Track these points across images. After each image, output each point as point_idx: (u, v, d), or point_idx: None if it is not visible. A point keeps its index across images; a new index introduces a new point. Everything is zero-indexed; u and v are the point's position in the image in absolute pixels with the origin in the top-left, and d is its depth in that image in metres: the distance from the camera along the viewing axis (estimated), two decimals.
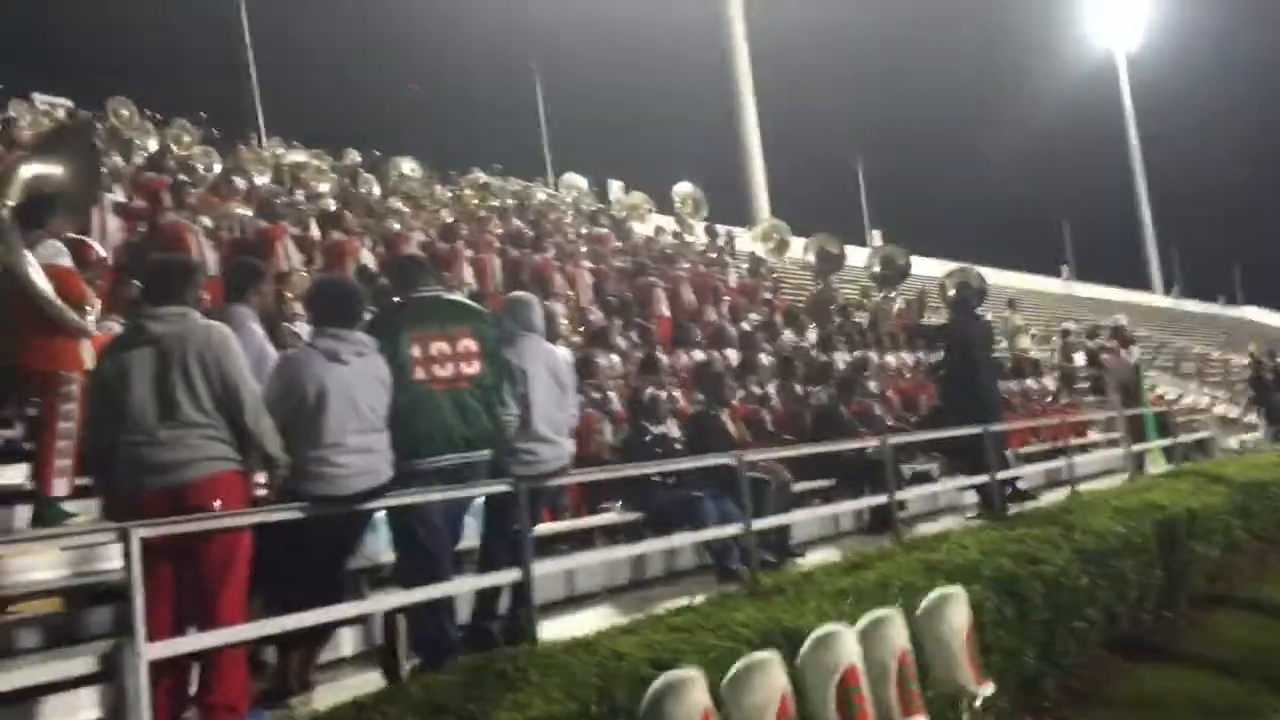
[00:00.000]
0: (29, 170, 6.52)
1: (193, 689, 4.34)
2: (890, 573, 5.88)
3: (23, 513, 6.35)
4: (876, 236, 34.36)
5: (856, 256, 22.82)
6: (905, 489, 9.38)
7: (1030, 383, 15.37)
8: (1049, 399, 15.79)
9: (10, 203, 6.25)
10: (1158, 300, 48.06)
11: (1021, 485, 10.60)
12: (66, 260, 6.50)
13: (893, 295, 19.61)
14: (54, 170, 6.63)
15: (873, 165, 44.48)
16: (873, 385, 12.32)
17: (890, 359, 14.59)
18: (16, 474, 6.83)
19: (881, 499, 8.40)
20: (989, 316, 15.10)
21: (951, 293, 14.12)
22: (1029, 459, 12.31)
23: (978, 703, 4.87)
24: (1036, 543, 6.74)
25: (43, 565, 5.82)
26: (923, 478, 11.06)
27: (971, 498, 10.32)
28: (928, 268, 25.19)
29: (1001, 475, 9.34)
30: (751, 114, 34.28)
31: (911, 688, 4.46)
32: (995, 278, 27.44)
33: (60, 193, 6.58)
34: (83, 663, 3.87)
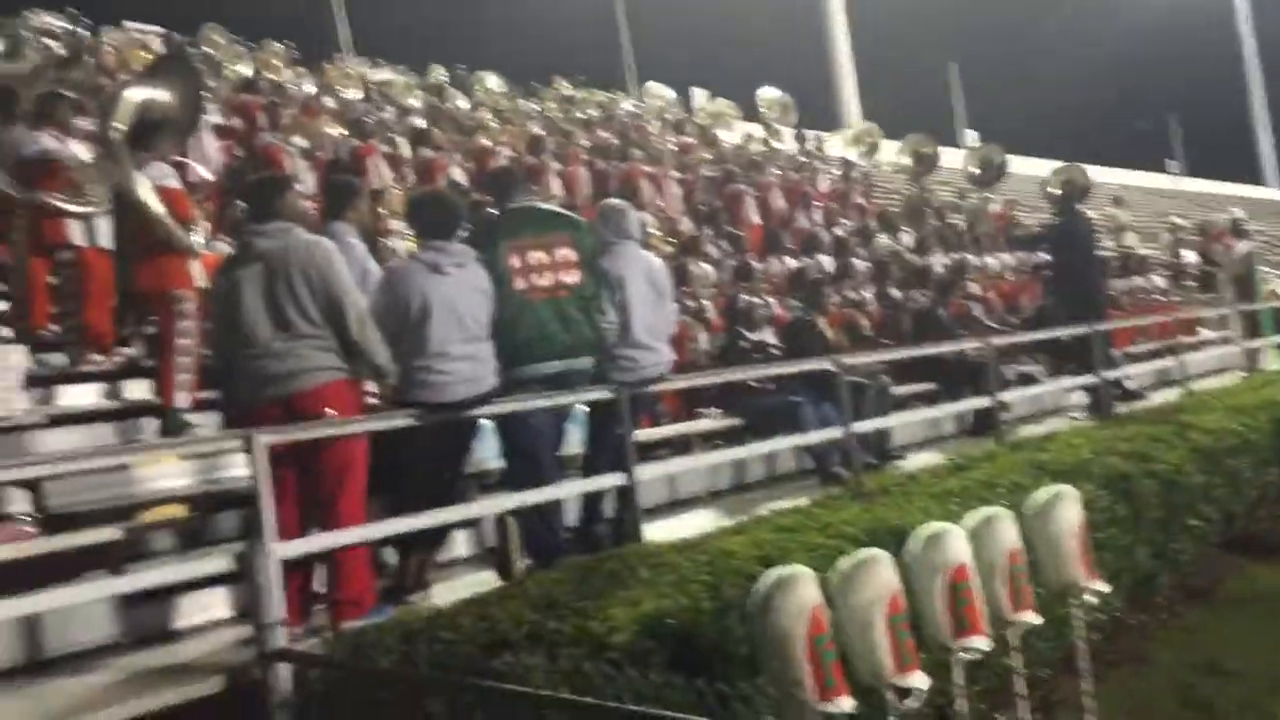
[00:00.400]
0: (136, 95, 6.66)
1: (319, 587, 4.54)
2: (996, 473, 5.82)
3: (148, 425, 6.63)
4: (971, 137, 33.33)
5: (951, 158, 22.18)
6: (1008, 390, 9.23)
7: (1138, 280, 14.88)
8: (1157, 296, 15.28)
9: (120, 126, 6.40)
10: (1274, 194, 45.89)
11: (1130, 385, 10.35)
12: (175, 181, 6.67)
13: (990, 196, 19.08)
14: (159, 95, 6.76)
15: (967, 63, 42.86)
16: (973, 287, 12.07)
17: (990, 260, 14.24)
18: (140, 389, 7.11)
19: (984, 401, 8.29)
20: (1093, 214, 14.63)
21: (1054, 191, 13.71)
22: (1137, 358, 11.99)
23: (1090, 600, 4.82)
24: (1149, 441, 6.59)
25: (170, 474, 6.09)
26: (1026, 379, 10.85)
27: (1078, 399, 10.12)
28: (1027, 167, 24.40)
29: (1109, 375, 9.12)
30: (840, 14, 33.27)
31: (1023, 585, 4.43)
32: (1099, 174, 26.44)
33: (166, 117, 6.71)
34: (217, 562, 4.06)
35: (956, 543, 4.17)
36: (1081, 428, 7.64)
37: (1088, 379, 9.10)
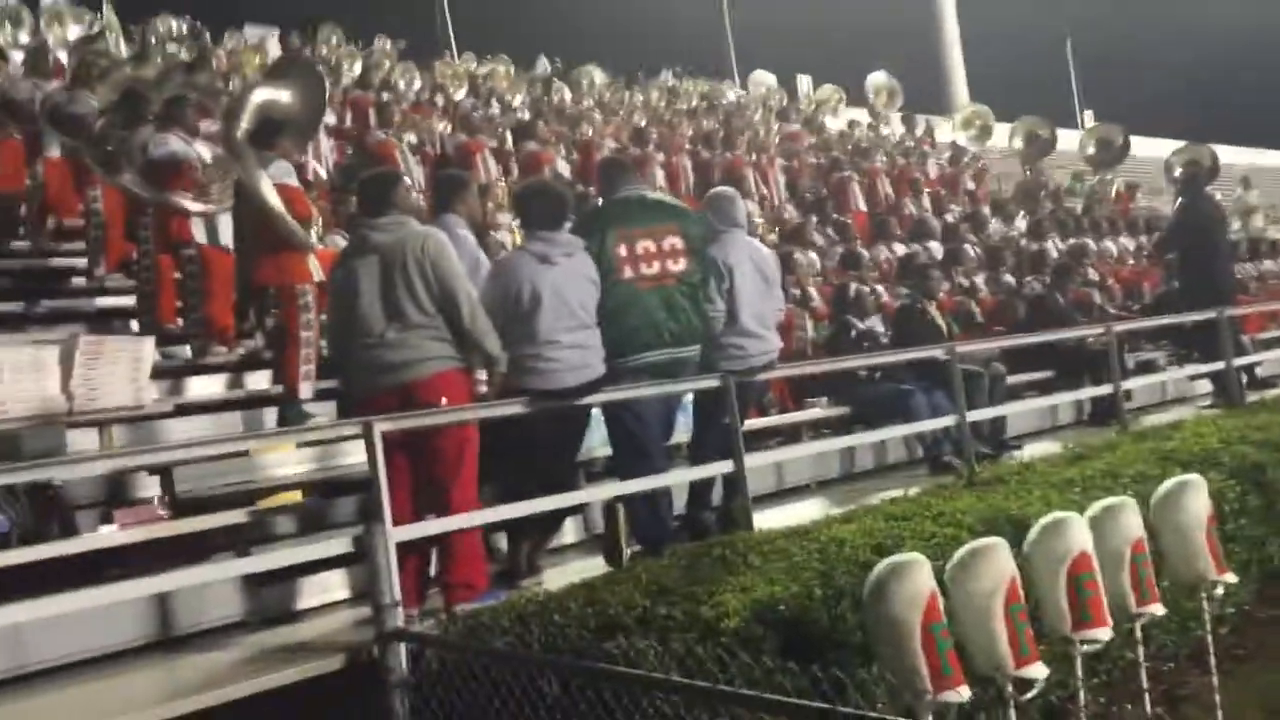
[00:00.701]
0: (260, 96, 6.89)
1: (433, 570, 4.64)
2: (1119, 462, 5.65)
3: (269, 415, 6.86)
4: (1089, 117, 32.28)
5: (1067, 141, 21.51)
6: (1130, 378, 8.93)
7: (1268, 264, 14.24)
8: None
9: (244, 126, 6.62)
10: None
11: (1260, 372, 9.92)
12: (293, 179, 6.88)
13: (1110, 178, 18.46)
14: (283, 96, 6.98)
15: (1083, 41, 41.46)
16: (1091, 273, 11.70)
17: (1109, 245, 13.78)
18: (261, 381, 7.36)
19: (1105, 389, 8.04)
20: (1220, 196, 14.04)
21: (1179, 172, 13.20)
22: (1267, 345, 11.47)
23: (1218, 592, 4.64)
24: None
25: (289, 461, 6.29)
26: (1148, 367, 10.49)
27: (1203, 387, 9.74)
28: (1148, 148, 23.52)
29: (1238, 362, 8.76)
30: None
31: (1147, 576, 4.29)
32: (1226, 155, 25.37)
33: (288, 119, 6.92)
34: (336, 545, 4.18)
35: (1078, 532, 4.06)
36: (1209, 416, 7.36)
37: (1215, 366, 8.75)
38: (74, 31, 10.75)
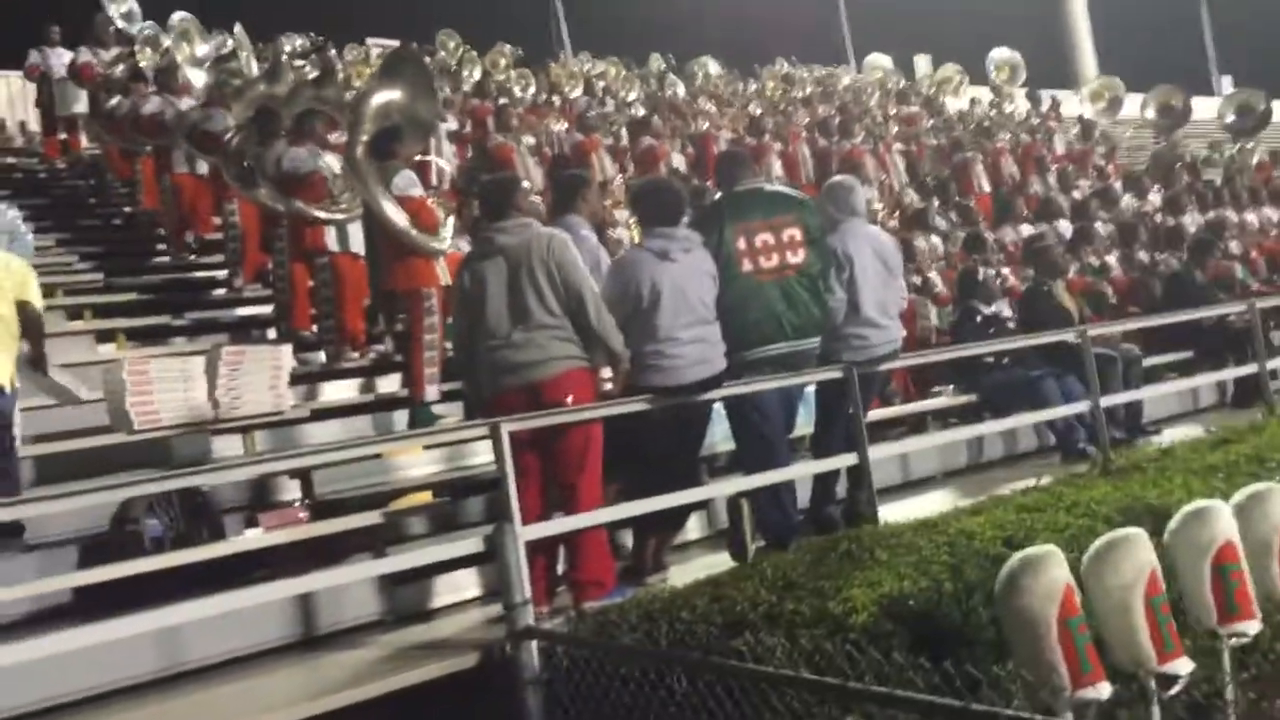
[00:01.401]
0: (377, 99, 7.11)
1: (562, 568, 4.72)
2: (1266, 446, 5.42)
3: (400, 418, 7.07)
4: (1227, 83, 30.77)
5: (1204, 109, 20.56)
6: (1276, 357, 8.50)
7: None
8: None
9: (365, 137, 6.84)
10: None
11: None
12: (418, 190, 7.09)
13: (1251, 146, 17.57)
14: (396, 94, 7.18)
15: (1218, 3, 39.53)
16: (1233, 246, 11.17)
17: (1251, 217, 13.12)
18: (391, 384, 7.59)
19: (1249, 369, 7.69)
20: None
21: None
22: None
23: None
24: None
25: (420, 462, 6.47)
26: None
27: None
28: None
29: None
30: None
31: None
32: None
33: (405, 115, 7.12)
34: (468, 544, 4.29)
35: (1222, 520, 3.90)
36: None
37: None
38: (201, 50, 11.21)
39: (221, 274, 9.62)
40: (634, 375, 4.94)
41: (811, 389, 5.85)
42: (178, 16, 11.16)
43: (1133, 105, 19.67)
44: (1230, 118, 17.82)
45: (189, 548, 4.80)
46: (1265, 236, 12.76)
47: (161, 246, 10.56)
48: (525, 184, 5.72)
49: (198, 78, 10.75)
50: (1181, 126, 18.43)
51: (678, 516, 5.24)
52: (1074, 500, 4.62)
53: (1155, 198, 13.68)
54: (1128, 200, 13.46)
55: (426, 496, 5.97)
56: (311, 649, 4.55)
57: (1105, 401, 6.49)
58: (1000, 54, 21.00)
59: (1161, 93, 18.20)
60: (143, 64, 11.30)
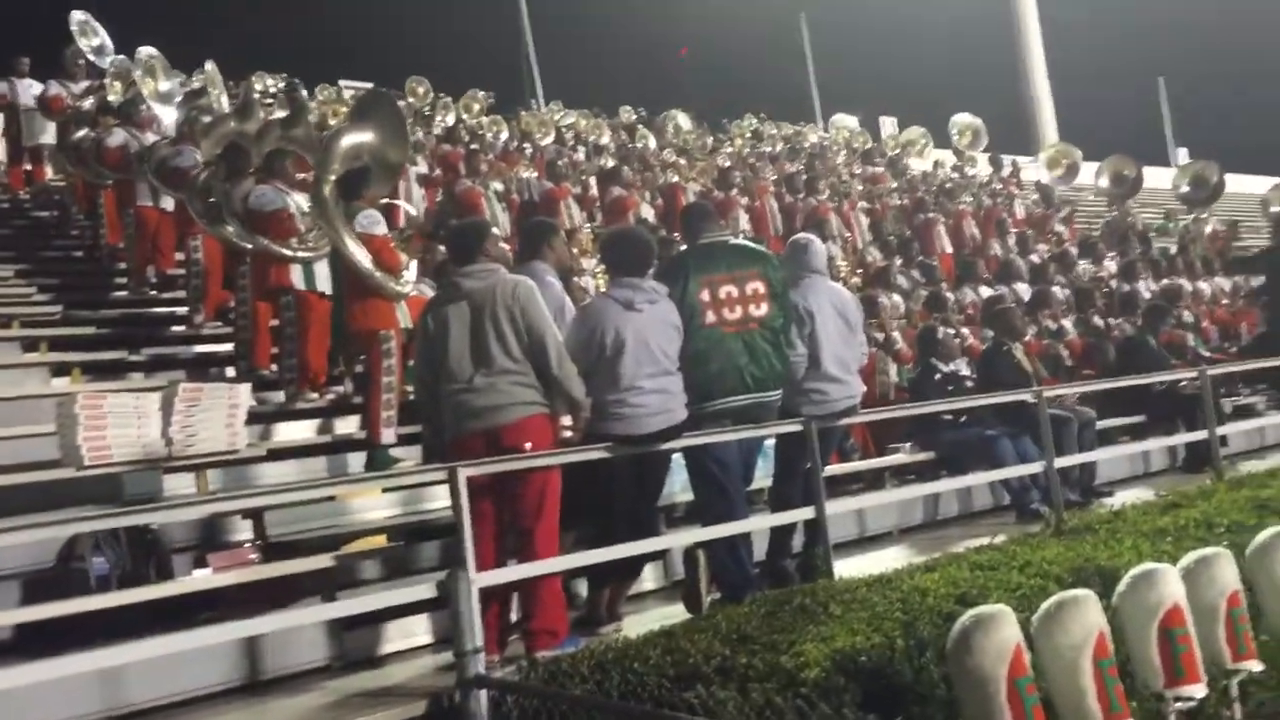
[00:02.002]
0: (347, 141, 7.13)
1: (515, 616, 4.68)
2: (1214, 511, 5.49)
3: (356, 460, 7.01)
4: (1183, 155, 31.55)
5: (1158, 178, 21.06)
6: (1226, 424, 8.66)
7: None
8: None
9: (332, 177, 6.85)
10: None
11: None
12: (381, 229, 7.07)
13: (1204, 216, 17.99)
14: (368, 136, 7.20)
15: (1175, 79, 40.61)
16: (1186, 315, 11.40)
17: (1204, 285, 13.41)
18: (350, 425, 7.54)
19: (1200, 435, 7.82)
20: None
21: (1275, 210, 12.86)
22: None
23: None
24: None
25: (374, 505, 6.42)
26: (1245, 412, 10.17)
27: None
28: (1245, 185, 22.92)
29: None
30: (1035, 32, 32.20)
31: (1244, 631, 4.15)
32: None
33: (376, 158, 7.14)
34: (421, 589, 4.24)
35: (1170, 583, 3.95)
36: None
37: None
38: (164, 86, 11.20)
39: (182, 310, 9.55)
40: (595, 423, 4.94)
41: (771, 442, 5.89)
42: (145, 51, 11.14)
43: (1090, 174, 20.12)
44: (1185, 188, 18.22)
45: (136, 587, 4.72)
46: (1217, 305, 13.03)
47: (122, 281, 10.47)
48: (495, 230, 5.74)
49: (166, 114, 10.72)
50: (1133, 196, 18.82)
51: (634, 566, 5.23)
52: (1027, 560, 4.67)
53: (1111, 264, 13.95)
54: (1084, 266, 13.71)
55: (381, 540, 5.91)
56: (257, 693, 4.47)
57: (1059, 462, 6.57)
58: (963, 118, 21.43)
59: (1114, 162, 18.58)
60: (111, 98, 11.26)
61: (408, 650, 4.97)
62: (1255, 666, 4.14)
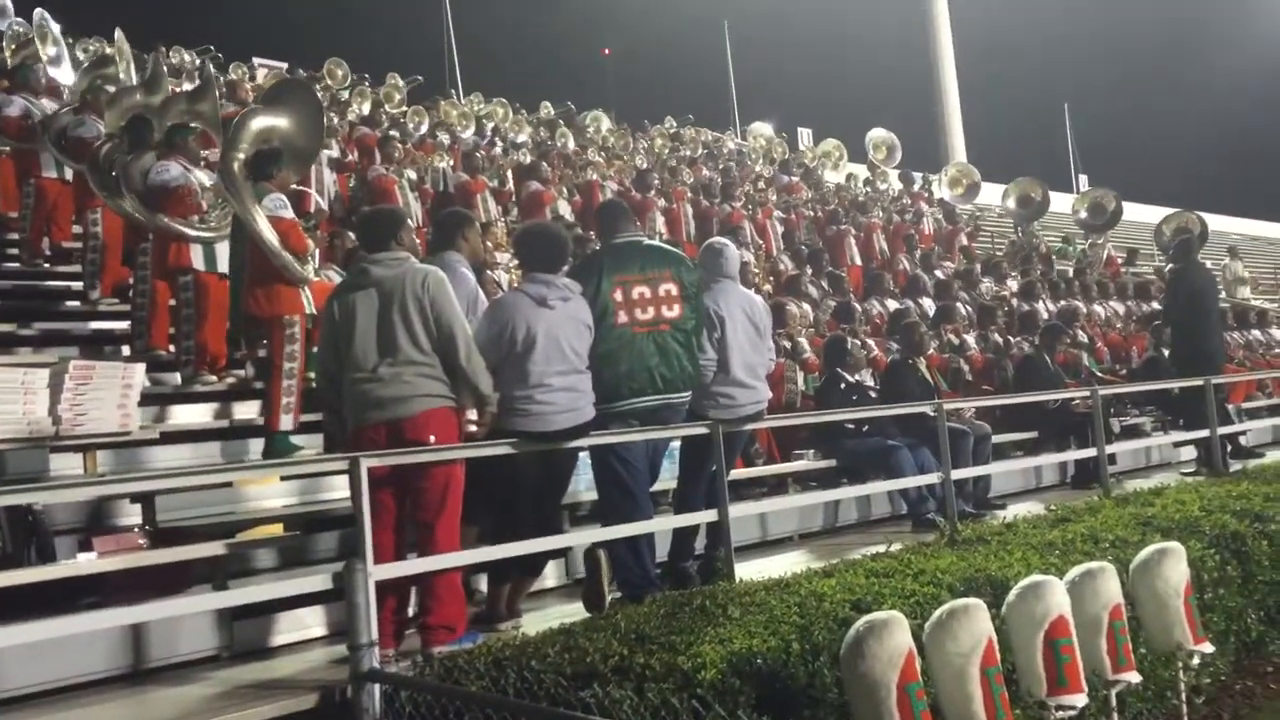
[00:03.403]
0: (258, 123, 6.95)
1: (412, 610, 4.62)
2: (1100, 527, 5.66)
3: (255, 445, 6.85)
4: (1084, 181, 32.62)
5: (1062, 204, 21.74)
6: (1115, 443, 8.97)
7: (1256, 334, 14.35)
8: (1277, 350, 14.70)
9: (241, 156, 6.67)
10: None
11: (1244, 441, 9.96)
12: (289, 213, 6.91)
13: (1100, 242, 18.62)
14: (280, 122, 7.04)
15: (1080, 108, 42.00)
16: (1081, 335, 11.78)
17: (1099, 308, 13.89)
18: (249, 410, 7.36)
19: (1089, 452, 8.08)
20: (1208, 264, 14.15)
21: (1169, 238, 13.36)
22: (1253, 414, 11.55)
23: (1195, 662, 4.65)
24: (1265, 501, 6.33)
25: (271, 494, 6.27)
26: (1133, 431, 10.54)
27: (1188, 453, 9.79)
28: (1142, 213, 23.78)
29: (1224, 430, 8.81)
30: (949, 58, 32.98)
31: (1124, 643, 4.29)
32: (1216, 223, 25.64)
33: (287, 144, 6.98)
34: (316, 580, 4.16)
35: (1056, 595, 4.06)
36: (1192, 484, 7.38)
37: (1200, 433, 8.80)
38: (51, 50, 10.81)
39: (77, 285, 9.22)
40: (502, 419, 4.90)
41: (677, 444, 5.91)
42: (38, 14, 10.72)
43: (996, 194, 20.68)
44: (1083, 214, 18.83)
45: (14, 569, 4.53)
46: (1111, 328, 13.50)
47: (14, 252, 10.07)
48: (409, 221, 5.65)
49: (64, 77, 10.35)
50: (1039, 218, 19.40)
51: (535, 564, 5.20)
52: (921, 568, 4.74)
53: (1013, 283, 14.35)
54: (987, 284, 14.08)
55: (277, 529, 5.78)
56: (141, 682, 4.33)
57: (955, 474, 6.72)
58: (879, 134, 21.88)
59: (1022, 184, 19.13)
60: (9, 62, 10.84)
61: (300, 642, 4.86)
62: (1134, 678, 4.28)
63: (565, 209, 13.32)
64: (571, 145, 17.53)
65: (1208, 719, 5.09)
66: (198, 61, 15.08)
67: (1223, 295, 17.16)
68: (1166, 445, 10.21)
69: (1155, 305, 12.99)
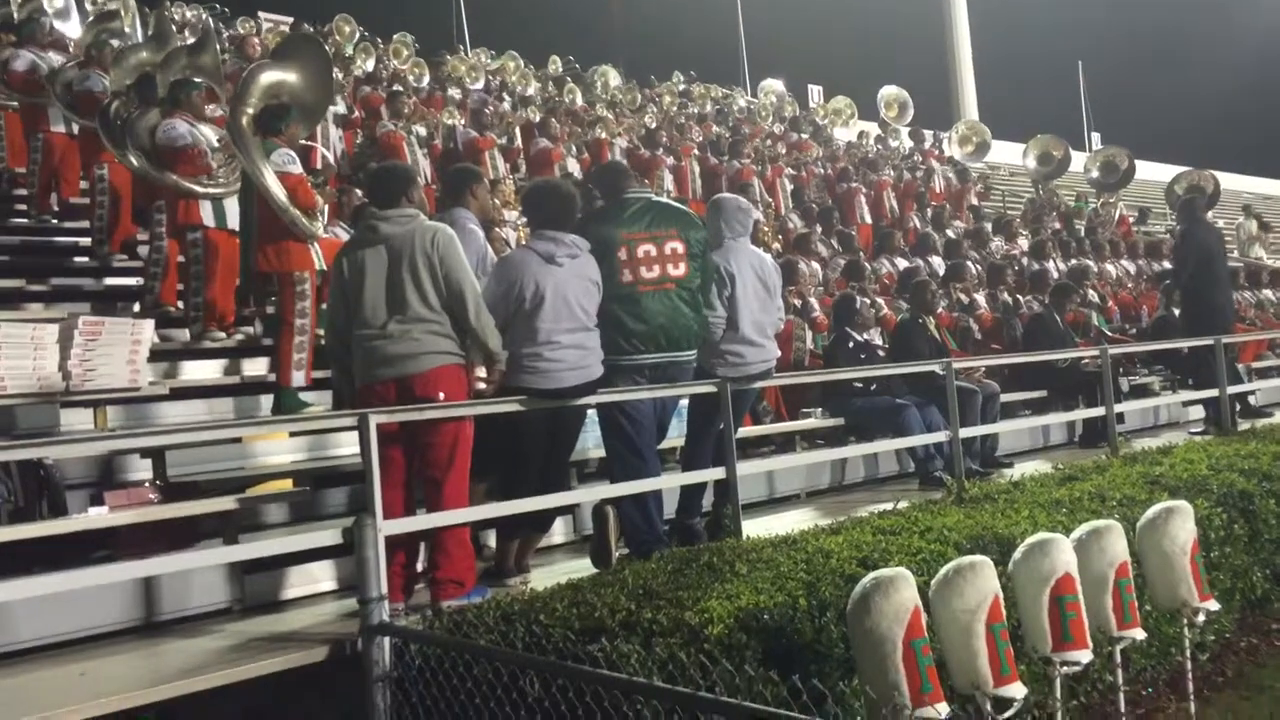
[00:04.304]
0: (267, 78, 6.91)
1: (421, 565, 4.65)
2: (1107, 485, 5.66)
3: (265, 401, 6.88)
4: (1096, 140, 32.32)
5: (1076, 162, 21.55)
6: (1124, 402, 8.95)
7: (1268, 293, 14.26)
8: None
9: (250, 110, 6.64)
10: None
11: (1254, 401, 9.94)
12: (297, 168, 6.89)
13: (1113, 200, 18.48)
14: (289, 77, 6.99)
15: (1093, 66, 41.48)
16: (1091, 294, 11.73)
17: (1110, 268, 13.81)
18: (258, 367, 7.38)
19: (1098, 411, 8.07)
20: (1221, 224, 14.07)
21: (1180, 197, 13.25)
22: (1263, 374, 11.51)
23: (1200, 619, 4.66)
24: (1272, 460, 6.32)
25: (281, 449, 6.31)
26: (1142, 391, 10.53)
27: (1197, 413, 9.78)
28: (1154, 172, 23.58)
29: (1233, 390, 8.78)
30: (962, 14, 32.59)
31: (1130, 600, 4.31)
32: (1230, 182, 25.45)
33: (296, 99, 6.94)
34: (326, 535, 4.19)
35: (1062, 552, 4.07)
36: (1200, 443, 7.37)
37: (1209, 393, 8.78)
38: (57, 4, 10.73)
39: (85, 241, 9.22)
40: (510, 376, 4.90)
41: (685, 402, 5.92)
42: None
43: (1014, 152, 20.47)
44: (1095, 173, 18.67)
45: (26, 522, 4.58)
46: (1121, 287, 13.43)
47: (22, 208, 10.06)
48: (420, 179, 5.62)
49: (70, 30, 10.28)
50: (1059, 176, 19.23)
51: (543, 520, 5.23)
52: (928, 525, 4.76)
53: (1024, 242, 14.27)
54: (998, 243, 14.00)
55: (286, 484, 5.82)
56: (152, 635, 4.39)
57: (963, 433, 6.72)
58: (889, 91, 21.67)
59: (1042, 142, 18.92)
60: (15, 15, 10.76)
61: (310, 596, 4.91)
62: (1139, 635, 4.29)
63: (574, 166, 13.25)
64: (579, 102, 17.40)
65: (1212, 675, 5.12)
66: (203, 16, 14.96)
67: (1235, 254, 17.07)
68: (1175, 404, 10.20)
69: (1166, 265, 12.90)
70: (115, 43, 9.40)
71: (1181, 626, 4.66)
